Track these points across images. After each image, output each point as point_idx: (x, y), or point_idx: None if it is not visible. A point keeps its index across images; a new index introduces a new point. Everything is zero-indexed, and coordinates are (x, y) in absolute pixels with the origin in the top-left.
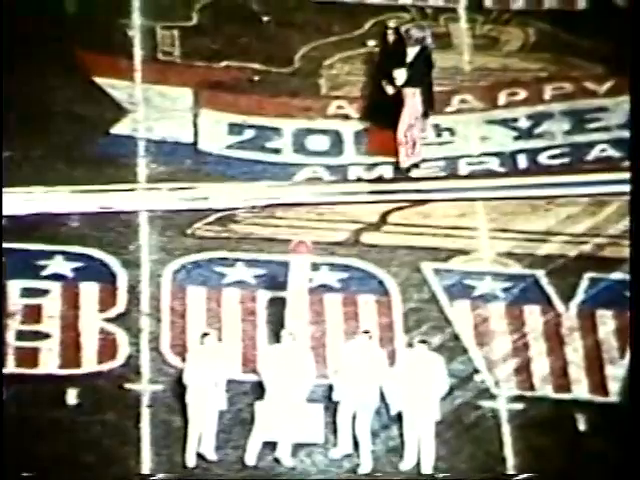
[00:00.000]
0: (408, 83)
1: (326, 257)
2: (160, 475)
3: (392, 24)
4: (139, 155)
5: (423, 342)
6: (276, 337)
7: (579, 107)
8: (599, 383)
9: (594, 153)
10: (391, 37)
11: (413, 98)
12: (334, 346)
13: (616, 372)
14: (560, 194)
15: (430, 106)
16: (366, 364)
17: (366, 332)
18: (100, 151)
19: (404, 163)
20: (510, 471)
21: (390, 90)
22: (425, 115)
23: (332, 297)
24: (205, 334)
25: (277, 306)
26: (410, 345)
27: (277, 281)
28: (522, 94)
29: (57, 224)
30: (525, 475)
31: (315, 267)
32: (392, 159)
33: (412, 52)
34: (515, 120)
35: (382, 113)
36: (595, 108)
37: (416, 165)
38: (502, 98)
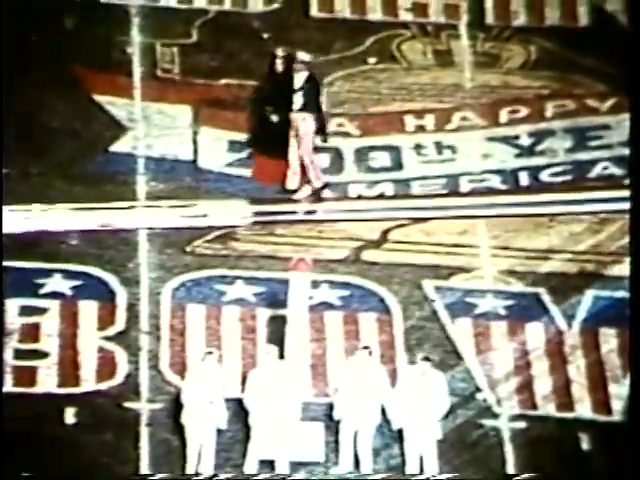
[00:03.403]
0: (299, 109)
1: (326, 275)
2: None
3: (281, 52)
4: (138, 172)
5: (426, 359)
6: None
7: (581, 125)
8: (602, 402)
9: (596, 171)
10: (280, 65)
11: (304, 123)
12: (334, 364)
13: (619, 391)
14: (562, 212)
15: (322, 131)
16: (367, 381)
17: (366, 348)
18: (99, 169)
19: (291, 186)
20: None
21: (275, 118)
22: (324, 140)
23: (332, 315)
24: (209, 352)
25: (277, 324)
26: (413, 362)
27: (277, 299)
28: (524, 111)
29: (56, 242)
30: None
31: (315, 285)
32: (279, 186)
33: (300, 78)
34: (517, 137)
35: (270, 142)
36: (597, 126)
37: (321, 189)
38: (503, 115)
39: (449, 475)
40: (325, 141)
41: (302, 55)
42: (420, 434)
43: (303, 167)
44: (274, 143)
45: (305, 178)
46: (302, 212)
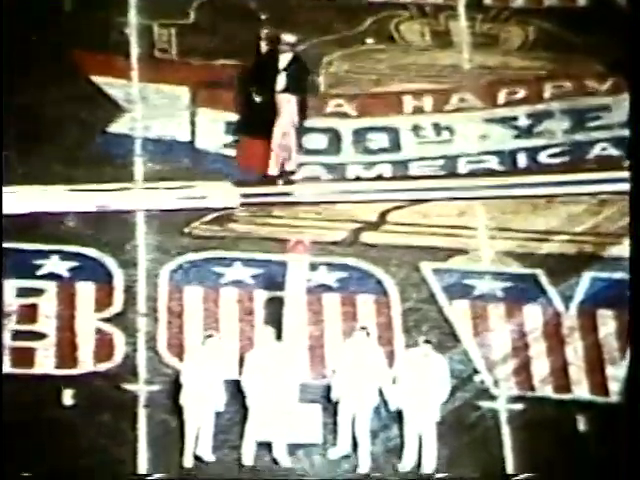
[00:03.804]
0: (283, 90)
1: (324, 257)
2: (157, 475)
3: (265, 33)
4: (136, 154)
5: (428, 342)
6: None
7: (579, 105)
8: (600, 383)
9: (595, 152)
10: (264, 47)
11: (288, 105)
12: (332, 346)
13: (617, 372)
14: (560, 193)
15: (303, 114)
16: (364, 363)
17: (363, 328)
18: (97, 150)
19: (272, 171)
20: (510, 472)
21: (258, 99)
22: (300, 125)
23: (330, 297)
24: (209, 335)
25: (275, 306)
26: (410, 344)
27: (275, 281)
28: (522, 92)
29: (53, 223)
30: (525, 475)
31: (313, 267)
32: (263, 170)
33: (284, 59)
34: (515, 119)
35: (254, 123)
36: (595, 106)
37: (292, 172)
38: (502, 96)
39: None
40: (301, 126)
41: (287, 36)
42: (420, 416)
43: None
44: (258, 124)
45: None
46: (279, 194)
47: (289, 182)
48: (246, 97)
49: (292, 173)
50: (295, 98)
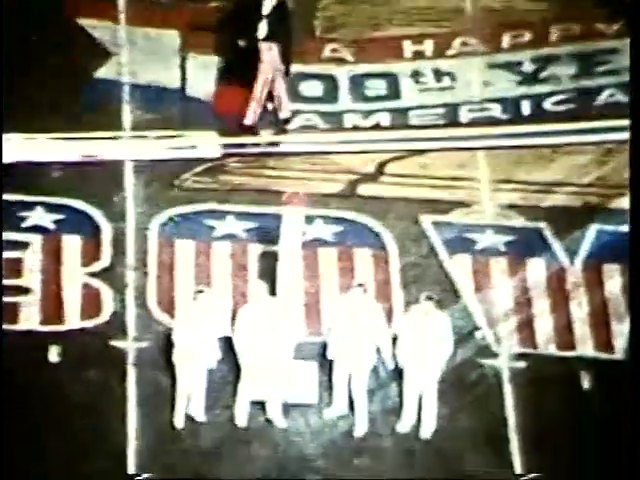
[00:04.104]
0: (264, 38)
1: (320, 209)
2: (146, 475)
3: None
4: (124, 101)
5: (429, 299)
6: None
7: (587, 49)
8: (605, 340)
9: (602, 98)
10: None
11: (270, 52)
12: (328, 302)
13: (622, 328)
14: (566, 142)
15: (286, 64)
16: (362, 320)
17: (360, 285)
18: (83, 96)
19: (248, 120)
20: (510, 431)
21: (242, 43)
22: (286, 73)
23: (326, 251)
24: (200, 291)
25: (269, 260)
26: (414, 301)
27: (269, 234)
28: (527, 36)
29: (37, 173)
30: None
31: (309, 220)
32: (241, 117)
33: (268, 4)
34: (519, 64)
35: (237, 69)
36: (604, 50)
37: (287, 120)
38: (506, 40)
39: None
40: (287, 75)
41: None
42: (421, 375)
43: (270, 98)
44: (240, 71)
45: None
46: (265, 144)
47: (282, 131)
48: (230, 42)
49: (287, 121)
50: (277, 46)
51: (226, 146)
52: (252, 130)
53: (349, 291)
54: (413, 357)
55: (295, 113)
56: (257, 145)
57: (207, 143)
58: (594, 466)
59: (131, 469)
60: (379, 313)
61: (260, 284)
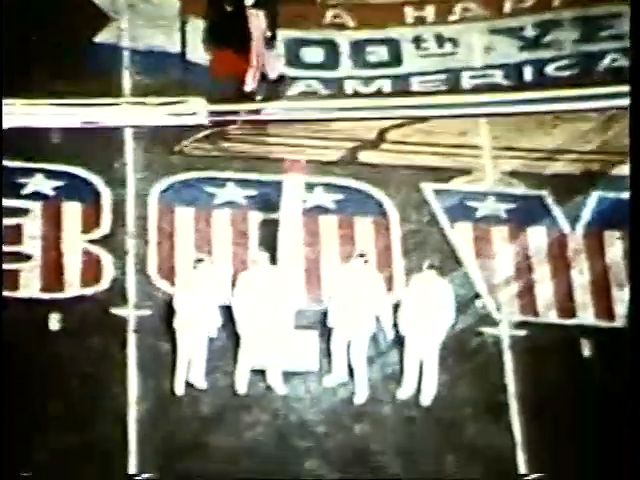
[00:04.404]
0: (251, 4)
1: (321, 177)
2: (146, 475)
3: None
4: (123, 66)
5: (432, 267)
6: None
7: (590, 14)
8: (605, 307)
9: (604, 63)
10: None
11: (257, 19)
12: (329, 270)
13: (623, 295)
14: (568, 109)
15: (272, 32)
16: (362, 289)
17: (361, 255)
18: (82, 62)
19: (248, 86)
20: (510, 399)
21: (229, 8)
22: (272, 38)
23: (327, 219)
24: (199, 260)
25: (270, 228)
26: (415, 268)
27: (270, 202)
28: (529, 1)
29: (37, 140)
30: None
31: (309, 187)
32: (238, 82)
33: None
34: (521, 29)
35: (225, 35)
36: (606, 15)
37: (277, 85)
38: (508, 5)
39: None
40: (273, 39)
41: None
42: (422, 343)
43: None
44: (229, 35)
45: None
46: (248, 111)
47: (270, 98)
48: (218, 5)
49: (277, 83)
50: (263, 13)
51: (216, 113)
52: (252, 96)
53: (350, 261)
54: (415, 325)
55: (295, 79)
56: (246, 112)
57: (206, 109)
58: (594, 433)
59: (132, 435)
60: (379, 283)
61: (260, 252)
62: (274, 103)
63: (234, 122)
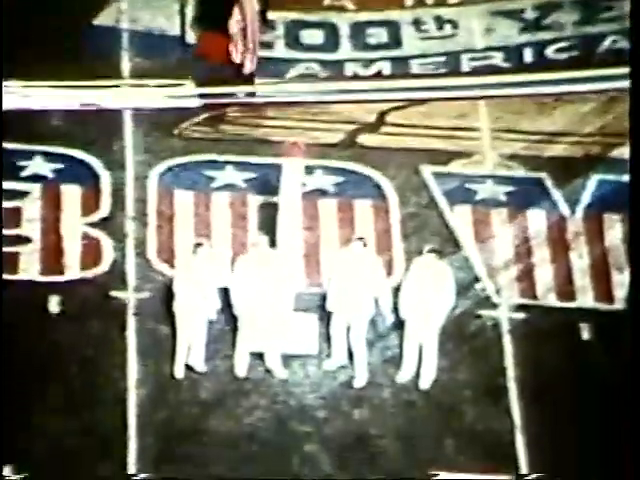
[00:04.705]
0: None
1: (320, 160)
2: (144, 475)
3: None
4: (123, 48)
5: (432, 251)
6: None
7: None
8: (605, 290)
9: (605, 45)
10: None
11: (251, 1)
12: (328, 253)
13: (623, 279)
14: (568, 91)
15: (263, 14)
16: (361, 273)
17: (360, 239)
18: (81, 44)
19: (247, 69)
20: (509, 382)
21: None
22: (263, 14)
23: (326, 202)
24: (199, 244)
25: (269, 211)
26: (415, 251)
27: (269, 185)
28: None
29: (36, 122)
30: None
31: (309, 170)
32: (223, 62)
33: None
34: (522, 11)
35: (214, 14)
36: None
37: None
38: None
39: None
40: (265, 22)
41: None
42: (422, 326)
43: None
44: (218, 15)
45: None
46: (243, 94)
47: (250, 81)
48: None
49: (253, 74)
50: None
51: (212, 96)
52: (251, 79)
53: (349, 244)
54: (415, 308)
55: (295, 61)
56: (232, 95)
57: (201, 92)
58: (593, 416)
59: (131, 419)
60: (379, 267)
61: (260, 236)
62: (280, 86)
63: (229, 105)
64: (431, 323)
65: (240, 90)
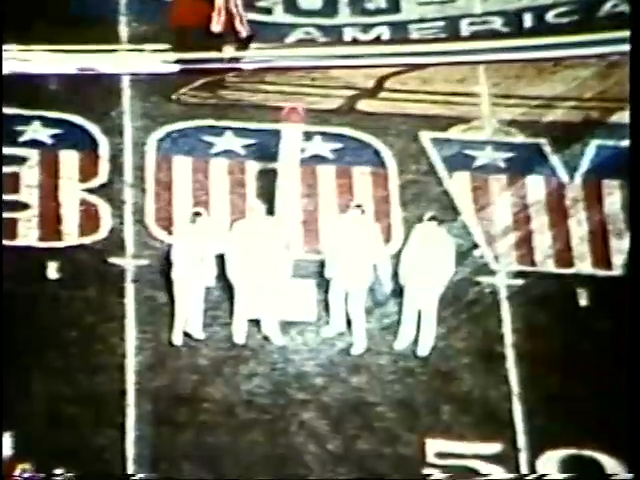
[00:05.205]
0: None
1: (319, 126)
2: (141, 475)
3: None
4: (121, 13)
5: (433, 218)
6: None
7: None
8: (603, 257)
9: (605, 9)
10: None
11: None
12: (327, 220)
13: (621, 245)
14: (568, 55)
15: None
16: (359, 240)
17: (358, 206)
18: (79, 7)
19: (216, 27)
20: (506, 349)
21: None
22: None
23: (325, 168)
24: (197, 213)
25: (267, 178)
26: (414, 219)
27: (268, 151)
28: None
29: (34, 86)
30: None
31: (307, 136)
32: (201, 28)
33: None
34: None
35: None
36: None
37: (249, 38)
38: None
39: None
40: None
41: None
42: (421, 293)
43: (229, 13)
44: None
45: (230, 26)
46: (227, 60)
47: (243, 47)
48: None
49: (247, 41)
50: None
51: (184, 61)
52: (218, 42)
53: (347, 211)
54: (415, 275)
55: (294, 26)
56: (218, 61)
57: (206, 57)
58: (590, 383)
59: (130, 386)
60: (377, 234)
61: (257, 203)
62: (280, 51)
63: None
64: (431, 290)
65: (227, 55)
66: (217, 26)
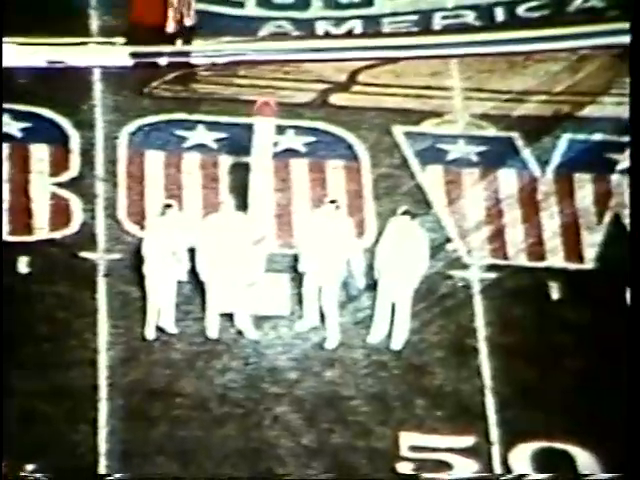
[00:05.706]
0: None
1: (292, 119)
2: (117, 475)
3: None
4: (91, 6)
5: (406, 213)
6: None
7: None
8: (575, 250)
9: (576, 3)
10: None
11: None
12: (300, 214)
13: (593, 238)
14: (539, 49)
15: None
16: (333, 235)
17: (332, 202)
18: (50, 1)
19: (170, 27)
20: (479, 342)
21: None
22: None
23: (298, 162)
24: (167, 205)
25: (240, 172)
26: (387, 212)
27: (240, 145)
28: None
29: (3, 80)
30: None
31: (280, 130)
32: (159, 24)
33: None
34: None
35: None
36: None
37: (192, 29)
38: None
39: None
40: None
41: None
42: (395, 287)
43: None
44: None
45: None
46: (173, 53)
47: (188, 40)
48: None
49: (192, 29)
50: None
51: (137, 55)
52: (171, 38)
53: (321, 206)
54: (389, 269)
55: (266, 20)
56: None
57: (179, 50)
58: (563, 376)
59: (102, 381)
60: (350, 228)
61: (229, 198)
62: (252, 45)
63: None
64: (405, 284)
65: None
66: (172, 23)
